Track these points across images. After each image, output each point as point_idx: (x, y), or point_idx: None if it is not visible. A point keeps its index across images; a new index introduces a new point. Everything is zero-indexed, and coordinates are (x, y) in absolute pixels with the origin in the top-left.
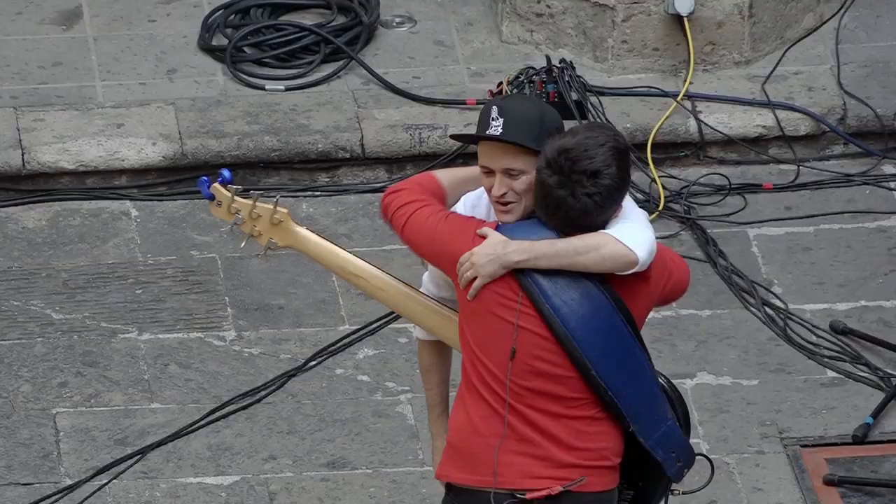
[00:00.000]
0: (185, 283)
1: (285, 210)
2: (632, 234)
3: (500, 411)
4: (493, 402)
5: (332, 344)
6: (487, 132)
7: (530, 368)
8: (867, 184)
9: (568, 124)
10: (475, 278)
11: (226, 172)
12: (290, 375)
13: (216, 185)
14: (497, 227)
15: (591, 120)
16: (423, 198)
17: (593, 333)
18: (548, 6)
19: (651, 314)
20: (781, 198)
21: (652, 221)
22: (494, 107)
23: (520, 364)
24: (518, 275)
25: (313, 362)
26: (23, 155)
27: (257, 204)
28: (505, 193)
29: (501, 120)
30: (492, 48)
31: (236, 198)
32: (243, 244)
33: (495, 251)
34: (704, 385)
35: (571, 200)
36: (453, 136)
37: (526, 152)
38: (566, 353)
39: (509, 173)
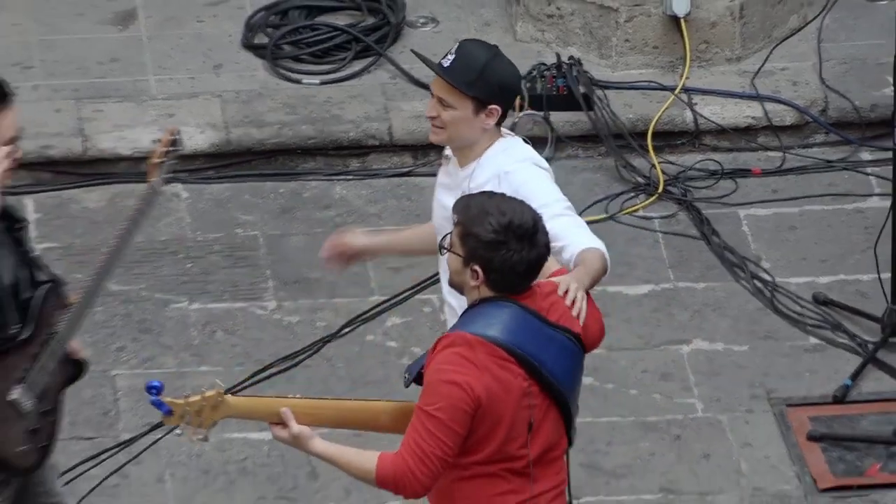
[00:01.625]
0: (230, 258)
1: (222, 388)
2: (593, 238)
3: (519, 481)
4: (511, 476)
5: (364, 313)
6: (440, 61)
7: (537, 432)
8: (846, 169)
9: (577, 115)
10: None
11: (156, 383)
12: (325, 341)
13: (168, 399)
14: (462, 321)
15: (596, 111)
16: (416, 448)
17: (575, 379)
18: (557, 8)
19: (652, 286)
20: (769, 182)
21: (653, 203)
22: (457, 43)
23: (532, 434)
24: (526, 363)
25: (346, 329)
26: (84, 142)
27: (205, 396)
28: (435, 117)
29: (453, 57)
30: (507, 46)
31: (189, 400)
32: (195, 439)
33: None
34: (699, 350)
35: (543, 250)
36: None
37: (459, 92)
38: (559, 406)
39: (441, 102)
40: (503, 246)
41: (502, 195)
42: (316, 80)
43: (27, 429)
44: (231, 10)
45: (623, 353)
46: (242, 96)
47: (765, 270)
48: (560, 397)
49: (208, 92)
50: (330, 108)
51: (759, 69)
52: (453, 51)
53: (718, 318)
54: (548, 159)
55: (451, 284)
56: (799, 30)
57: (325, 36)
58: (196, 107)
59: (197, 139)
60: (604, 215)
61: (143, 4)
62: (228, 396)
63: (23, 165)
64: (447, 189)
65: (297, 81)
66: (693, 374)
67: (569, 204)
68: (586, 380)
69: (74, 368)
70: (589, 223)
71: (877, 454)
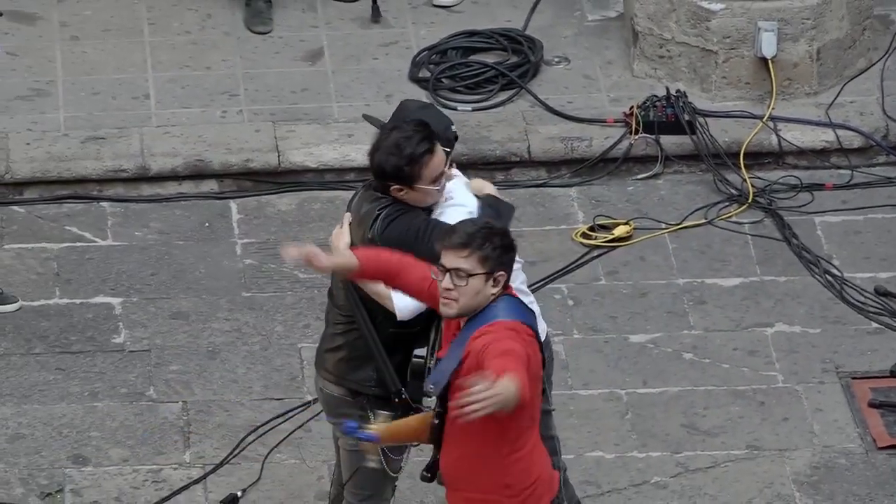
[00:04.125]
0: None
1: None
2: None
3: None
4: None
5: None
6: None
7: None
8: None
9: (682, 138)
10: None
11: (352, 423)
12: None
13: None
14: (487, 314)
15: (698, 135)
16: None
17: None
18: (667, 51)
19: (742, 279)
20: (839, 194)
21: (743, 211)
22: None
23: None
24: (539, 340)
25: None
26: (278, 156)
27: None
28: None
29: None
30: (626, 81)
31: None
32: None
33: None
34: (781, 332)
35: None
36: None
37: None
38: None
39: None
40: (512, 243)
41: (471, 221)
42: (469, 107)
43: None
44: (400, 50)
45: (718, 334)
46: None
47: (835, 267)
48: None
49: (381, 115)
50: (480, 130)
51: (832, 102)
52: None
53: (796, 306)
54: (657, 174)
55: (464, 310)
56: (865, 70)
57: (476, 71)
58: (371, 128)
59: None
60: (703, 220)
61: (329, 44)
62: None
63: (228, 175)
64: None
65: (454, 108)
66: (775, 352)
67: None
68: (687, 355)
69: None
70: (690, 227)
71: None
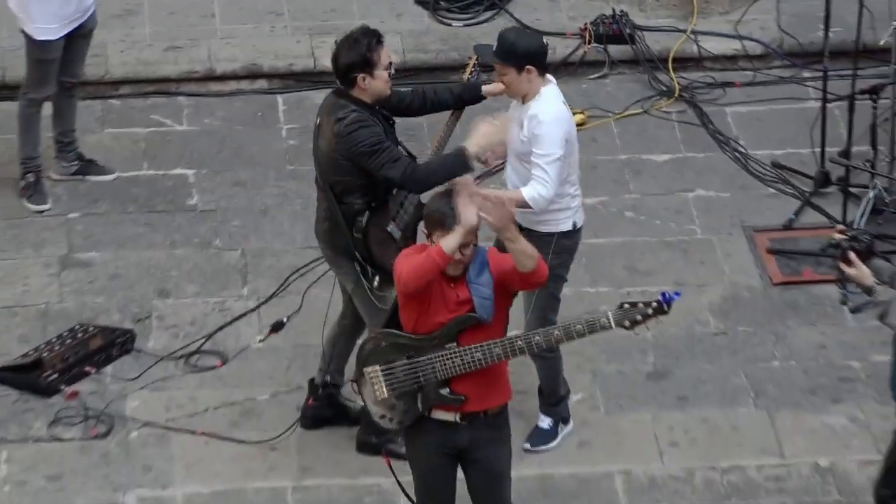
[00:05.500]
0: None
1: None
2: (532, 187)
3: None
4: None
5: None
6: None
7: None
8: (795, 83)
9: (625, 47)
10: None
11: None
12: None
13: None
14: None
15: (637, 45)
16: None
17: None
18: None
19: (670, 156)
20: (746, 91)
21: (671, 103)
22: (498, 34)
23: None
24: None
25: None
26: (314, 61)
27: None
28: (501, 81)
29: (496, 44)
30: (581, 3)
31: None
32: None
33: None
34: (699, 196)
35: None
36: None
37: (503, 64)
38: None
39: (499, 71)
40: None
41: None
42: (461, 23)
43: (398, 250)
44: None
45: (651, 198)
46: (414, 33)
47: (741, 146)
48: None
49: (392, 30)
50: (468, 40)
51: (740, 19)
52: (496, 39)
53: (712, 176)
54: (604, 76)
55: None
56: None
57: None
58: (392, 41)
59: None
60: (640, 111)
61: None
62: None
63: (276, 76)
64: (516, 121)
65: (449, 24)
66: (695, 210)
67: (555, 157)
68: (629, 213)
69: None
70: (630, 116)
71: (809, 262)
